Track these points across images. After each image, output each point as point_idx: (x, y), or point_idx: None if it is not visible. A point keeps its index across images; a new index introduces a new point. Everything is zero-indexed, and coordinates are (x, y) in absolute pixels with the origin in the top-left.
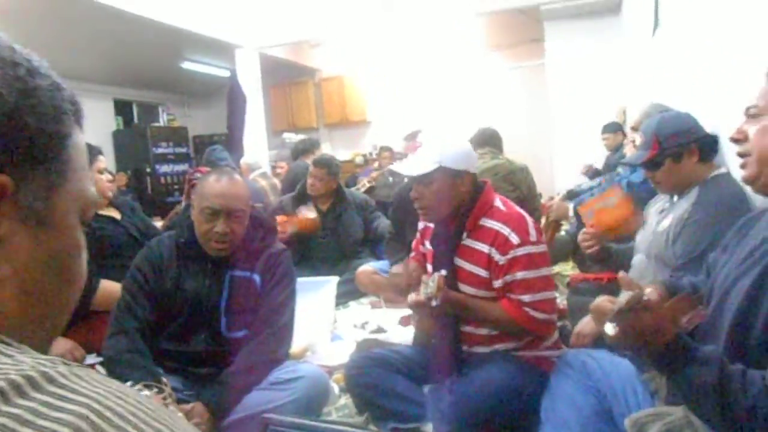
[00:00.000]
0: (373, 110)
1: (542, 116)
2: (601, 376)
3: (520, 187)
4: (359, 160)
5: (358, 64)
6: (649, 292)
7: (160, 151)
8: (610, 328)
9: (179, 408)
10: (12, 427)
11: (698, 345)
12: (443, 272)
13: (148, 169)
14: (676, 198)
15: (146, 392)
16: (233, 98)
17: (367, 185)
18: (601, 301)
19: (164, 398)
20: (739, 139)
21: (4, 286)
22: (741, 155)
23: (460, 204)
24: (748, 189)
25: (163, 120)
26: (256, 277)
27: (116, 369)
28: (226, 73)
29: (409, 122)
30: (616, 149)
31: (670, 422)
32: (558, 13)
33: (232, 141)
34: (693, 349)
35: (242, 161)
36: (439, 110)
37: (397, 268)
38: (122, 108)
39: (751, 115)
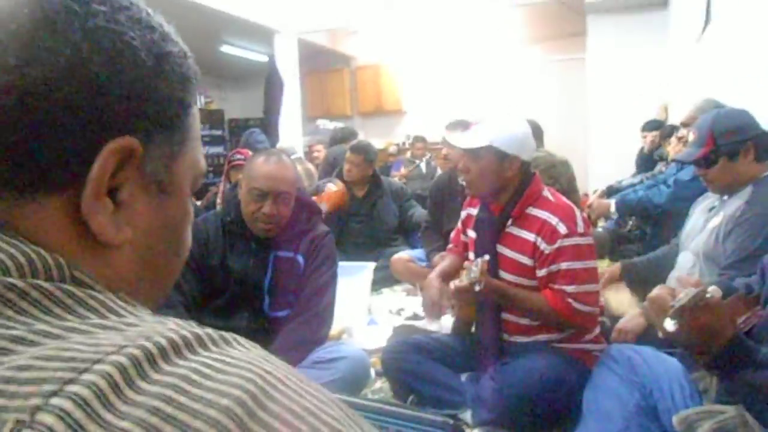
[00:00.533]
0: (408, 100)
1: (579, 111)
2: (647, 372)
3: (559, 180)
4: (392, 149)
5: (394, 52)
6: (712, 290)
7: None
8: (670, 325)
9: None
10: (183, 386)
11: (757, 347)
12: (487, 257)
13: None
14: (726, 196)
15: None
16: (271, 83)
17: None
18: (661, 291)
19: None
20: None
21: (123, 251)
22: None
23: (506, 189)
24: None
25: (200, 103)
26: (300, 258)
27: None
28: (263, 58)
29: (445, 113)
30: (656, 147)
31: (722, 420)
32: (602, 6)
33: (268, 125)
34: (753, 351)
35: (278, 146)
36: (476, 101)
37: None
38: None
39: None
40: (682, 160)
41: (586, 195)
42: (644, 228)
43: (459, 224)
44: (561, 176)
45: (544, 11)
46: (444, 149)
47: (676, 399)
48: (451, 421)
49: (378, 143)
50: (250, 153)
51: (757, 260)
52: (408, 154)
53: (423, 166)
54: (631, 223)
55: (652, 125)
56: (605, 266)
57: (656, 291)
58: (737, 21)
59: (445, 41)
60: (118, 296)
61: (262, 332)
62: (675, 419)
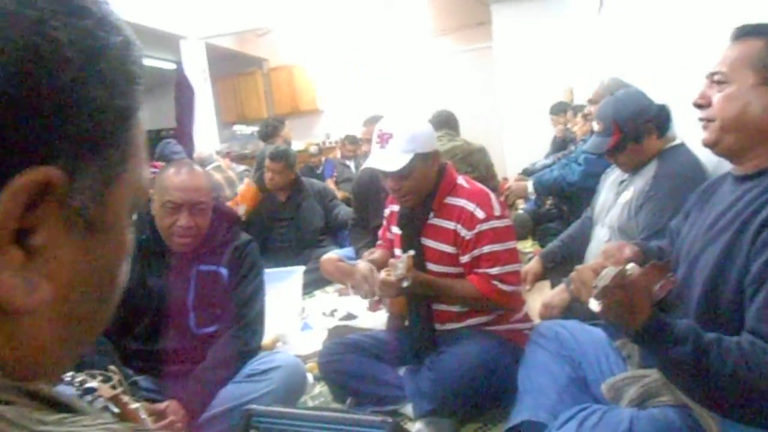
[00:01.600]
0: (324, 99)
1: (492, 98)
2: (575, 345)
3: (478, 167)
4: (313, 149)
5: (307, 52)
6: (631, 267)
7: None
8: (594, 305)
9: (153, 407)
10: None
11: (674, 322)
12: (412, 253)
13: None
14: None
15: (92, 383)
16: (181, 91)
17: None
18: (584, 269)
19: (113, 386)
20: (702, 105)
21: (41, 315)
22: (704, 121)
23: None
24: (703, 157)
25: None
26: (223, 271)
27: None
28: (170, 66)
29: (362, 109)
30: (565, 129)
31: (647, 383)
32: None
33: (182, 135)
34: (669, 327)
35: (195, 155)
36: (391, 96)
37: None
38: None
39: (716, 81)
40: (594, 152)
41: (506, 179)
42: (561, 206)
43: (384, 222)
44: (479, 163)
45: (449, 2)
46: (365, 146)
47: (603, 368)
48: (390, 419)
49: (297, 144)
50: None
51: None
52: (338, 155)
53: (353, 166)
54: (549, 202)
55: (558, 108)
56: (529, 246)
57: (579, 268)
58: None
59: (357, 38)
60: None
61: (191, 351)
62: (603, 387)
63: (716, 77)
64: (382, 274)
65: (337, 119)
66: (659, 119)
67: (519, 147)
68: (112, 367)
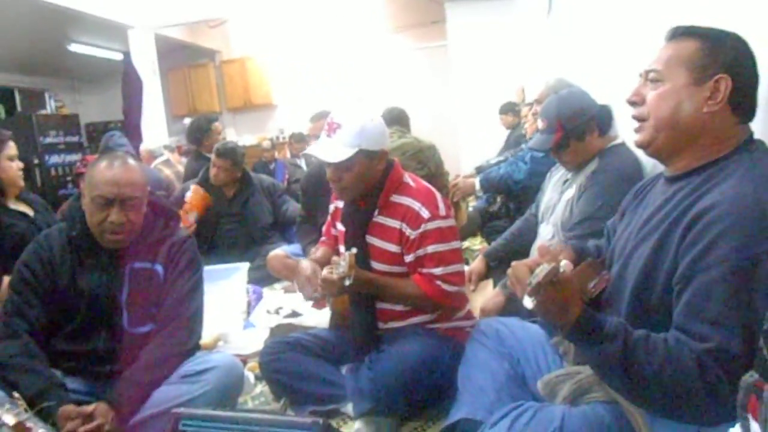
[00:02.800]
0: (278, 93)
1: (447, 96)
2: (514, 342)
3: (428, 165)
4: (266, 144)
5: (260, 45)
6: (564, 264)
7: (48, 140)
8: (528, 302)
9: (80, 410)
10: None
11: (604, 319)
12: (354, 250)
13: (36, 161)
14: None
15: None
16: (128, 82)
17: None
18: (520, 265)
19: (17, 414)
20: (635, 102)
21: None
22: (636, 119)
23: (373, 182)
24: (642, 156)
25: (51, 107)
26: (159, 268)
27: (9, 375)
28: (118, 56)
29: (315, 104)
30: (514, 127)
31: (580, 380)
32: None
33: (129, 127)
34: (600, 325)
35: (143, 148)
36: (345, 91)
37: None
38: (2, 95)
39: (651, 79)
40: (538, 149)
41: (458, 176)
42: (508, 204)
43: (329, 218)
44: (428, 161)
45: (406, 0)
46: (311, 143)
47: (540, 364)
48: (320, 420)
49: (250, 139)
50: None
51: (598, 221)
52: (287, 154)
53: (303, 164)
54: (500, 200)
55: (506, 107)
56: (477, 244)
57: (515, 264)
58: (574, 4)
59: (312, 32)
60: None
61: (124, 351)
62: (539, 384)
63: (651, 75)
64: (325, 272)
65: (291, 114)
66: (600, 118)
67: (473, 144)
68: (15, 394)
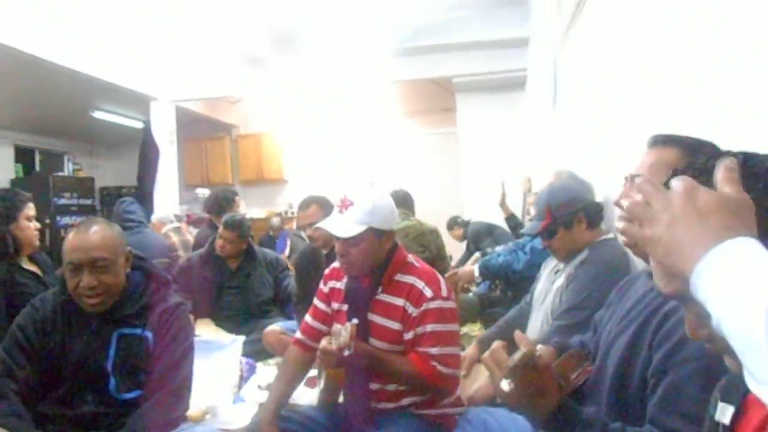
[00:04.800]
0: (290, 169)
1: (455, 181)
2: None
3: (429, 248)
4: (275, 221)
5: (277, 122)
6: (540, 349)
7: (63, 202)
8: (505, 385)
9: None
10: None
11: (582, 409)
12: (355, 321)
13: (48, 221)
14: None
15: None
16: (146, 151)
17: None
18: (498, 349)
19: None
20: (621, 203)
21: None
22: (623, 219)
23: (378, 260)
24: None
25: (68, 169)
26: (148, 334)
27: None
28: (138, 124)
29: (326, 182)
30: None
31: None
32: (468, 86)
33: (142, 194)
34: (577, 414)
35: (153, 216)
36: (356, 171)
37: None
38: (23, 155)
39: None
40: (527, 233)
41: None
42: (507, 291)
43: (318, 302)
44: (430, 244)
45: (418, 88)
46: (308, 231)
47: None
48: None
49: (258, 212)
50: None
51: (583, 311)
52: (293, 225)
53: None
54: (500, 287)
55: (451, 223)
56: (476, 330)
57: (493, 347)
58: (574, 102)
59: (326, 111)
60: None
61: (111, 417)
62: None
63: (637, 180)
64: (323, 343)
65: (302, 190)
66: (589, 211)
67: None
68: None
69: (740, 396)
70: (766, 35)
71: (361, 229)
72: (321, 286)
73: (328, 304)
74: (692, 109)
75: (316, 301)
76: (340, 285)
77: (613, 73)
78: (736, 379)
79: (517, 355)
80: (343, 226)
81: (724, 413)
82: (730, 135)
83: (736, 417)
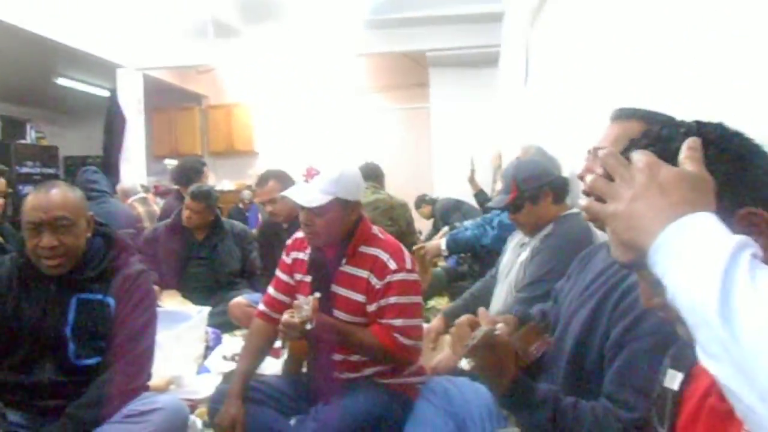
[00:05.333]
0: (261, 141)
1: (426, 156)
2: (461, 401)
3: (398, 222)
4: (246, 194)
5: (247, 93)
6: (500, 327)
7: (25, 170)
8: (465, 363)
9: None
10: None
11: (536, 386)
12: (317, 295)
13: (11, 190)
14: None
15: None
16: (112, 120)
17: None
18: (463, 325)
19: None
20: (584, 177)
21: None
22: (586, 193)
23: (343, 231)
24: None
25: (30, 137)
26: (110, 300)
27: None
28: (104, 93)
29: (298, 154)
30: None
31: None
32: (442, 60)
33: (108, 164)
34: (531, 391)
35: (119, 186)
36: (327, 144)
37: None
38: None
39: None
40: (494, 207)
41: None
42: (473, 265)
43: (280, 274)
44: (399, 218)
45: (392, 62)
46: (268, 207)
47: (485, 424)
48: None
49: (229, 184)
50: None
51: (546, 284)
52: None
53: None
54: (468, 261)
55: (419, 202)
56: (444, 303)
57: (458, 321)
58: (545, 78)
59: (297, 84)
60: None
61: (70, 385)
62: None
63: (600, 152)
64: (285, 316)
65: (273, 162)
66: (555, 186)
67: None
68: None
69: (689, 364)
70: (721, 16)
71: (327, 198)
72: (283, 257)
73: (291, 276)
74: (655, 84)
75: (278, 273)
76: (303, 256)
77: (581, 49)
78: (685, 348)
79: (477, 333)
80: (308, 195)
81: (674, 380)
82: (691, 108)
83: (685, 383)
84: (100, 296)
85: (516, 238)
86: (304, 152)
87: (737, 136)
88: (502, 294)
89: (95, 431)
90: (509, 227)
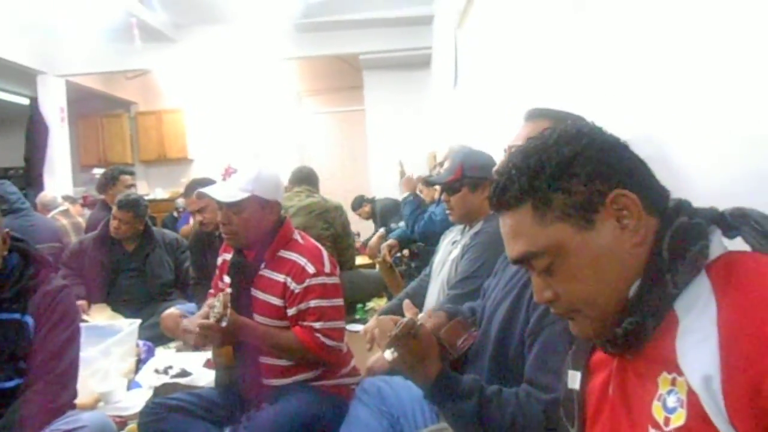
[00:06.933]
0: (194, 148)
1: (362, 158)
2: (395, 400)
3: (334, 224)
4: (180, 202)
5: (179, 99)
6: (421, 317)
7: None
8: (388, 354)
9: None
10: None
11: (460, 377)
12: (229, 290)
13: None
14: (467, 228)
15: None
16: (33, 129)
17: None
18: (385, 319)
19: None
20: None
21: None
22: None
23: (263, 234)
24: None
25: None
26: (29, 320)
27: None
28: (24, 100)
29: (232, 161)
30: (374, 215)
31: None
32: (375, 63)
33: (30, 176)
34: (456, 382)
35: (38, 199)
36: (262, 149)
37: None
38: None
39: None
40: (434, 181)
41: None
42: (410, 264)
43: (217, 271)
44: (335, 221)
45: (327, 65)
46: (198, 216)
47: (418, 422)
48: None
49: (162, 193)
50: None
51: (477, 280)
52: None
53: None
54: (405, 259)
55: (357, 203)
56: (382, 303)
57: (381, 318)
58: (472, 80)
59: (231, 89)
60: None
61: None
62: None
63: (513, 150)
64: (200, 320)
65: (207, 169)
66: None
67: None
68: None
69: (585, 361)
70: (637, 21)
71: (244, 195)
72: (218, 259)
73: (222, 278)
74: (572, 84)
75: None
76: (229, 257)
77: (504, 50)
78: (581, 347)
79: (399, 325)
80: (225, 191)
81: (575, 380)
82: (604, 106)
83: (585, 380)
84: (17, 315)
85: (449, 237)
86: (239, 158)
87: (599, 131)
88: (435, 292)
89: None
90: (442, 222)
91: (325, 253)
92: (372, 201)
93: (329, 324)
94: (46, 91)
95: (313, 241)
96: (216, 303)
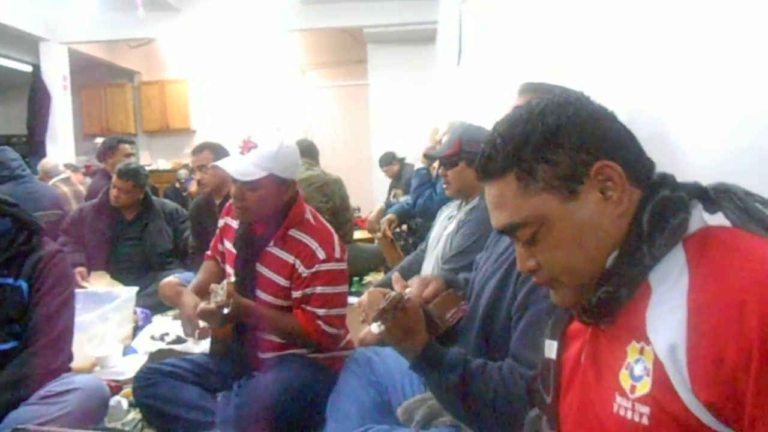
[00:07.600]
0: (198, 118)
1: (365, 133)
2: (384, 371)
3: (333, 198)
4: (182, 173)
5: (182, 69)
6: (408, 292)
7: None
8: (375, 327)
9: None
10: None
11: (446, 351)
12: (232, 279)
13: None
14: (463, 204)
15: None
16: (36, 97)
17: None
18: (374, 292)
19: None
20: None
21: None
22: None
23: (276, 211)
24: None
25: None
26: (23, 284)
27: None
28: (27, 68)
29: (235, 131)
30: (398, 177)
31: (431, 405)
32: (380, 37)
33: (33, 143)
34: (441, 354)
35: (39, 166)
36: (264, 121)
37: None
38: None
39: None
40: (432, 155)
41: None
42: (408, 239)
43: (217, 231)
44: (334, 194)
45: (331, 38)
46: (198, 175)
47: (406, 391)
48: None
49: (164, 163)
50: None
51: (471, 255)
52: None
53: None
54: (404, 234)
55: (387, 159)
56: (380, 277)
57: (371, 289)
58: (476, 56)
59: (235, 60)
60: None
61: None
62: (399, 410)
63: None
64: (202, 304)
65: (210, 140)
66: None
67: (387, 181)
68: None
69: (562, 331)
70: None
71: (262, 174)
72: (219, 221)
73: (222, 241)
74: (573, 64)
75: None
76: (235, 224)
77: (508, 25)
78: (559, 317)
79: (387, 298)
80: (242, 167)
81: (551, 349)
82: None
83: (561, 350)
84: (10, 280)
85: (445, 212)
86: (242, 130)
87: (587, 100)
88: (430, 266)
89: (12, 414)
90: (441, 199)
91: (336, 237)
92: (402, 161)
93: (332, 311)
94: (49, 59)
95: (324, 222)
96: (219, 291)
